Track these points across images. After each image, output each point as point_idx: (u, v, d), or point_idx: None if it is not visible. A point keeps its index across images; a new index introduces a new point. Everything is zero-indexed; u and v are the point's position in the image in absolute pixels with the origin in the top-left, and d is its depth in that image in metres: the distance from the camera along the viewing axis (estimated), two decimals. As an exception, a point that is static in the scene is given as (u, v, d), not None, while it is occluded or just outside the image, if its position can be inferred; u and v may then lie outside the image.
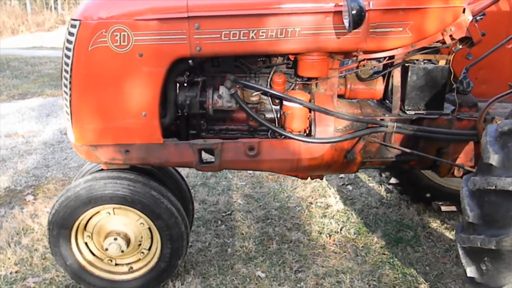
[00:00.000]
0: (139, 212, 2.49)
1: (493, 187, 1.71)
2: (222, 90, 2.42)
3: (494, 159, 1.75)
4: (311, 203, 3.82)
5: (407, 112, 2.52)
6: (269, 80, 2.49)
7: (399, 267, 2.94)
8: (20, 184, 4.21)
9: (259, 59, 2.52)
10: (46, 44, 15.84)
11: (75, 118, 2.38)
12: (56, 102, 7.09)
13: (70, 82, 2.33)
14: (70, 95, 2.35)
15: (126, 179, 2.46)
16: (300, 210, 3.69)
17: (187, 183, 3.07)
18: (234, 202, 3.84)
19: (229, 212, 3.65)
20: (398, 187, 3.73)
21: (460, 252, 1.92)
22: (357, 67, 2.54)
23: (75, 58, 2.27)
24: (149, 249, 2.62)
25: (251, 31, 2.23)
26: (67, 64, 2.34)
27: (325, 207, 3.74)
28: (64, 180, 4.30)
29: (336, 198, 3.89)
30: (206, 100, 2.44)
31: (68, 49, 2.32)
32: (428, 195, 3.56)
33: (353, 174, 4.26)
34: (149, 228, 2.56)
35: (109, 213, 2.52)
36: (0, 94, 7.74)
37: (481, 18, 2.53)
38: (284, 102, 2.46)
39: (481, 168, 1.84)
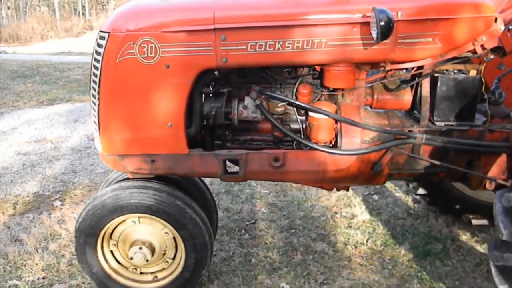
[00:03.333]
0: (164, 222, 2.50)
1: (529, 205, 1.64)
2: (248, 101, 2.42)
3: (530, 175, 1.68)
4: (336, 212, 3.77)
5: (437, 123, 2.46)
6: (294, 91, 2.47)
7: (428, 281, 2.86)
8: (48, 190, 4.30)
9: (284, 70, 2.50)
10: (74, 49, 16.23)
11: (103, 128, 2.41)
12: (83, 108, 7.23)
13: (98, 93, 2.36)
14: (98, 106, 2.39)
15: (151, 189, 2.48)
16: (325, 220, 3.64)
17: (211, 191, 3.08)
18: (258, 210, 3.82)
19: (253, 221, 3.64)
20: (426, 198, 3.64)
21: (493, 270, 1.85)
22: (385, 77, 2.50)
23: (103, 70, 2.31)
24: (174, 258, 2.63)
25: (277, 43, 2.22)
26: (95, 75, 2.38)
27: (351, 217, 3.69)
28: (91, 186, 4.38)
29: (361, 208, 3.83)
30: (232, 111, 2.44)
31: (97, 61, 2.35)
32: (457, 206, 3.46)
33: (379, 183, 4.19)
34: (174, 238, 2.57)
35: (135, 222, 2.55)
36: (30, 100, 7.95)
37: (514, 27, 2.45)
38: (310, 113, 2.44)
39: (516, 185, 1.78)
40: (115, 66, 2.28)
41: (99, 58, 2.32)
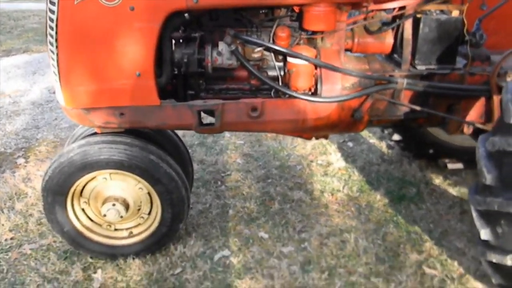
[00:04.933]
0: (137, 177, 2.40)
1: (515, 149, 1.62)
2: (222, 46, 2.26)
3: (517, 119, 1.64)
4: (311, 161, 3.74)
5: (418, 67, 2.38)
6: (272, 34, 2.32)
7: (403, 225, 2.91)
8: (10, 147, 4.06)
9: (261, 12, 2.33)
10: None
11: (64, 79, 2.22)
12: (42, 59, 6.79)
13: (56, 40, 2.15)
14: (57, 54, 2.18)
15: (122, 143, 2.34)
16: (301, 168, 3.61)
17: (184, 144, 2.96)
18: (233, 161, 3.75)
19: (228, 173, 3.57)
20: (400, 144, 3.65)
21: (474, 214, 1.86)
22: (365, 19, 2.37)
23: (60, 14, 2.09)
24: (149, 213, 2.55)
25: None
26: (51, 20, 2.15)
27: (326, 165, 3.67)
28: (56, 142, 4.17)
29: (337, 155, 3.81)
30: (205, 57, 2.28)
31: (52, 3, 2.12)
32: (431, 151, 3.48)
33: (353, 130, 4.17)
34: (148, 193, 2.48)
35: (106, 179, 2.43)
36: (-18, 51, 7.40)
37: (497, -35, 2.35)
38: (288, 59, 2.31)
39: (500, 128, 1.75)
40: (73, 9, 2.06)
41: (55, 0, 2.08)
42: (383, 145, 3.98)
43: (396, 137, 3.57)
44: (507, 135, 1.68)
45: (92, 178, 2.43)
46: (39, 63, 6.63)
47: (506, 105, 1.72)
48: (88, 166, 2.33)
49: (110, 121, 2.32)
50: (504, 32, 2.93)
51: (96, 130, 2.47)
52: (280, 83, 2.38)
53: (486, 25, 2.74)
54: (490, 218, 1.77)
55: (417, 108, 2.41)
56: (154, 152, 2.39)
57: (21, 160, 3.79)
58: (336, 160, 3.74)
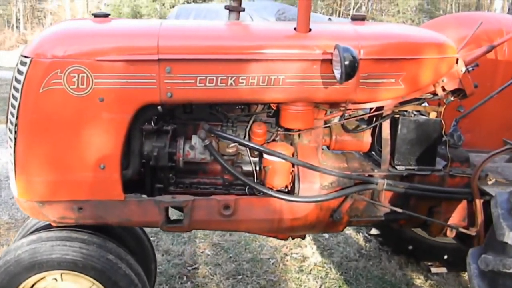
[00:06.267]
0: (91, 279, 2.14)
1: (511, 271, 1.49)
2: (195, 140, 2.15)
3: (510, 237, 1.53)
4: (286, 254, 3.53)
5: (397, 167, 2.31)
6: (247, 130, 2.23)
7: (385, 334, 2.68)
8: (-42, 229, 3.72)
9: (237, 107, 2.26)
10: (5, 64, 15.13)
11: (20, 169, 2.03)
12: (8, 131, 6.55)
13: (16, 126, 2.00)
14: (15, 142, 2.01)
15: (78, 240, 2.11)
16: (275, 263, 3.39)
17: (147, 234, 2.72)
18: (202, 253, 3.50)
19: (195, 266, 3.30)
20: (378, 238, 3.51)
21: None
22: (342, 116, 2.31)
23: (23, 100, 1.95)
24: (102, 321, 2.25)
25: (229, 78, 1.98)
26: (13, 106, 2.01)
27: (301, 259, 3.46)
28: (10, 224, 3.85)
29: (312, 248, 3.62)
30: (177, 151, 2.15)
31: (16, 89, 1.99)
32: (410, 247, 3.35)
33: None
34: (103, 297, 2.20)
35: (56, 280, 2.15)
36: None
37: (473, 69, 2.39)
38: (264, 155, 2.20)
39: (492, 246, 1.63)
40: (37, 96, 1.93)
41: (19, 86, 1.96)
42: (360, 238, 3.82)
43: (374, 231, 3.45)
44: (502, 254, 1.55)
45: (41, 278, 2.15)
46: (5, 135, 6.36)
47: (497, 221, 1.61)
48: (37, 266, 2.07)
49: (66, 216, 2.10)
50: (478, 131, 2.96)
51: (51, 223, 2.23)
52: (255, 180, 2.25)
53: (460, 123, 2.76)
54: None
55: (398, 209, 2.29)
56: (113, 250, 2.16)
57: (-33, 246, 3.44)
58: (312, 253, 3.54)
